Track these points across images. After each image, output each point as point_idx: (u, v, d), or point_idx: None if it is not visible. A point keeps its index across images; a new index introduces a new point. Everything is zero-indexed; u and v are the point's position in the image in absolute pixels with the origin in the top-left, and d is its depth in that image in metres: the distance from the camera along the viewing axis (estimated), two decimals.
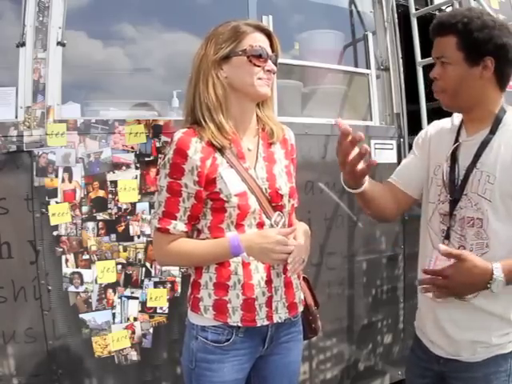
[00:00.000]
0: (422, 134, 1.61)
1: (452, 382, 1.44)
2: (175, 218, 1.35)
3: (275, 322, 1.39)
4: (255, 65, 1.35)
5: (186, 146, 1.32)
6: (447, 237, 1.41)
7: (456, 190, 1.39)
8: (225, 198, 1.33)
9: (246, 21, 1.39)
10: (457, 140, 1.44)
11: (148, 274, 2.19)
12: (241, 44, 1.35)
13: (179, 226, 1.36)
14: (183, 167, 1.32)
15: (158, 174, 1.39)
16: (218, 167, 1.34)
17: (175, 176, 1.33)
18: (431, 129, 1.58)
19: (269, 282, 1.38)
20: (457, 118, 1.50)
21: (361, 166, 1.23)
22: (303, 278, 1.57)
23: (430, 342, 1.49)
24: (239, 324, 1.36)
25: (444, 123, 1.54)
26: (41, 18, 2.08)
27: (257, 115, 1.46)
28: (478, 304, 1.35)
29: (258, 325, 1.37)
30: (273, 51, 1.40)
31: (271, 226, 1.38)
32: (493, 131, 1.35)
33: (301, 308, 1.49)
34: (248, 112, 1.42)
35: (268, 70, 1.37)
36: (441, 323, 1.43)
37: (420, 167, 1.54)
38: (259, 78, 1.36)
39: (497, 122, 1.36)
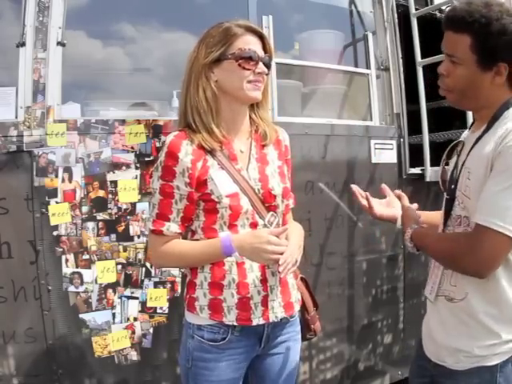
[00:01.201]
0: None
1: None
2: (168, 220, 1.36)
3: (271, 321, 1.40)
4: (245, 68, 1.35)
5: (177, 148, 1.33)
6: None
7: (451, 188, 1.35)
8: (216, 199, 1.34)
9: (237, 22, 1.38)
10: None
11: (148, 274, 2.19)
12: (231, 47, 1.34)
13: (172, 227, 1.37)
14: (174, 169, 1.33)
15: (151, 176, 1.40)
16: (209, 169, 1.36)
17: (167, 178, 1.34)
18: None
19: (264, 281, 1.38)
20: None
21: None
22: (301, 278, 1.57)
23: (424, 343, 1.48)
24: (234, 323, 1.36)
25: None
26: (41, 18, 2.08)
27: (250, 117, 1.46)
28: (463, 309, 1.31)
29: (254, 324, 1.37)
30: (266, 52, 1.39)
31: (264, 226, 1.39)
32: (489, 127, 1.29)
33: (297, 307, 1.49)
34: (240, 115, 1.43)
35: (259, 73, 1.36)
36: (431, 326, 1.41)
37: None
38: (249, 82, 1.35)
39: (494, 118, 1.28)
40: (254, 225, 1.38)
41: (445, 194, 1.40)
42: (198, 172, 1.34)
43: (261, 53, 1.37)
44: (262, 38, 1.39)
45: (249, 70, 1.35)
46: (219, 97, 1.37)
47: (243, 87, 1.35)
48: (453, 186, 1.35)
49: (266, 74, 1.40)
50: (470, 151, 1.31)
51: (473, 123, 1.41)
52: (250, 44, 1.36)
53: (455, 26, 1.26)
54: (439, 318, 1.38)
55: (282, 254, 1.30)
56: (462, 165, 1.32)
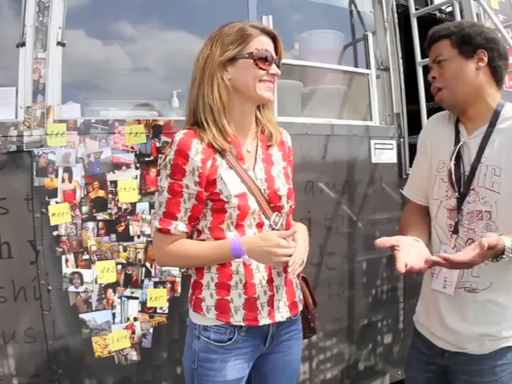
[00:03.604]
0: (421, 133, 1.66)
1: (457, 375, 1.46)
2: (176, 219, 1.36)
3: (277, 320, 1.40)
4: (260, 68, 1.35)
5: (187, 146, 1.33)
6: (455, 231, 1.45)
7: (463, 185, 1.42)
8: (225, 199, 1.34)
9: (251, 23, 1.39)
10: (458, 138, 1.47)
11: (148, 274, 2.19)
12: (247, 47, 1.35)
13: (180, 226, 1.36)
14: (184, 168, 1.33)
15: (158, 174, 1.39)
16: (218, 168, 1.35)
17: (176, 177, 1.33)
18: (428, 126, 1.63)
19: (270, 281, 1.39)
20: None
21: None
22: (302, 277, 1.57)
23: (432, 336, 1.51)
24: (241, 323, 1.36)
25: (439, 118, 1.58)
26: (41, 18, 2.07)
27: (256, 118, 1.47)
28: (485, 297, 1.38)
29: (261, 324, 1.38)
30: (276, 54, 1.40)
31: (270, 226, 1.40)
32: (492, 124, 1.40)
33: (301, 307, 1.50)
34: (249, 115, 1.43)
35: (272, 74, 1.37)
36: (445, 317, 1.45)
37: (424, 171, 1.58)
38: (262, 81, 1.36)
39: (495, 115, 1.41)
40: (260, 225, 1.38)
41: (456, 191, 1.44)
42: (208, 171, 1.34)
43: (274, 54, 1.39)
44: (274, 39, 1.40)
45: (263, 70, 1.36)
46: (232, 95, 1.37)
47: (257, 87, 1.36)
48: (464, 184, 1.42)
49: (278, 76, 1.41)
50: (480, 150, 1.40)
51: (457, 123, 1.50)
52: (265, 45, 1.37)
53: (436, 37, 1.47)
54: (457, 310, 1.43)
55: (290, 256, 1.30)
56: (476, 163, 1.40)
